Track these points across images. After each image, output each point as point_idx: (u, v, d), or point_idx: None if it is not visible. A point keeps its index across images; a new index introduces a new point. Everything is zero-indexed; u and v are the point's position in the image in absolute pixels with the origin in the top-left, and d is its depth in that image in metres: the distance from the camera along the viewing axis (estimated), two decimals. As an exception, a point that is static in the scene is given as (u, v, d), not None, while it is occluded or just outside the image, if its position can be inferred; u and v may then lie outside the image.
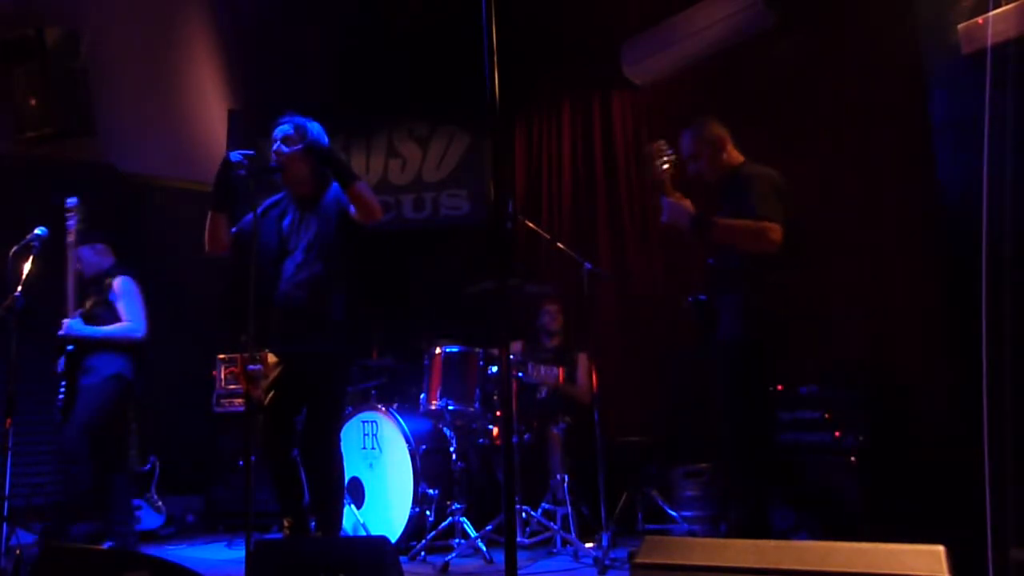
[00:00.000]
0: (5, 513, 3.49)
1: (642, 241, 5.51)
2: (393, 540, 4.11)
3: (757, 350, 3.18)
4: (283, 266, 3.41)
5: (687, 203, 3.25)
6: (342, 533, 3.62)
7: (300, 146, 3.37)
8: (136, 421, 4.97)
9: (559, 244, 4.45)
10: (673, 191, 3.28)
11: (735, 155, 3.43)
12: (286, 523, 3.35)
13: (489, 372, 4.41)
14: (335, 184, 3.45)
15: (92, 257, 4.42)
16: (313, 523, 3.40)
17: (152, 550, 4.35)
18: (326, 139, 3.47)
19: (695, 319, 3.44)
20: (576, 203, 5.89)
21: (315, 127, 3.45)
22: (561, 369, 4.67)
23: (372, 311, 4.89)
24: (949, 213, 3.75)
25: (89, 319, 4.25)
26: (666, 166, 3.28)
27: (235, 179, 3.20)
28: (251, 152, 3.22)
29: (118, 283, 4.34)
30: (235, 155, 3.20)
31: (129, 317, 4.29)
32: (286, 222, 3.47)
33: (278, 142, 3.41)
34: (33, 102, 5.14)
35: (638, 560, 2.12)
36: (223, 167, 3.26)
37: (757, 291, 3.19)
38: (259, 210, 3.48)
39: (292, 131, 3.40)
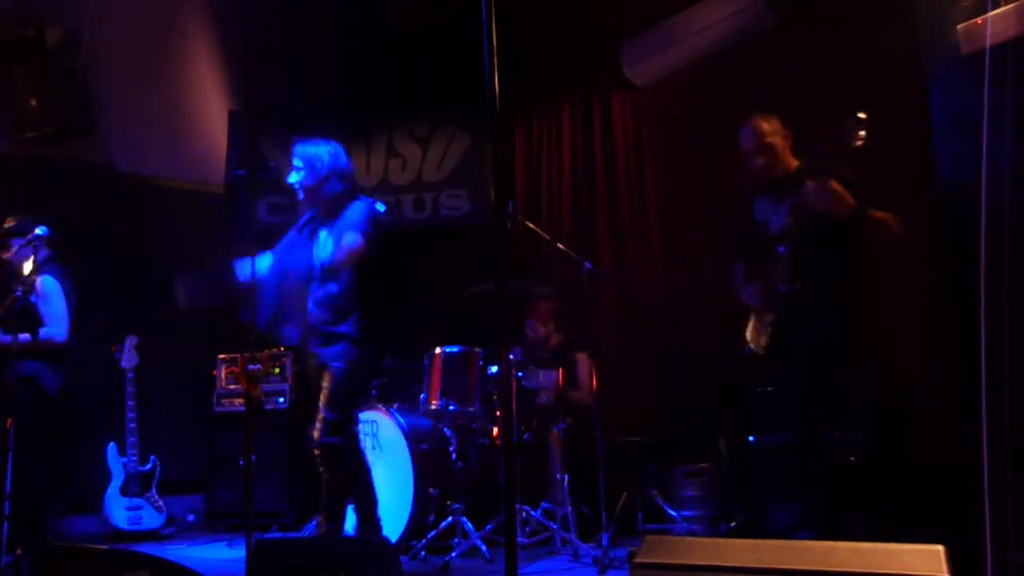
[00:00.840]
0: (6, 512, 3.49)
1: (642, 241, 5.51)
2: (393, 540, 4.11)
3: (851, 346, 3.23)
4: (307, 284, 3.65)
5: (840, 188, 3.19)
6: (343, 533, 3.67)
7: (312, 181, 3.62)
8: (136, 421, 4.98)
9: (559, 244, 4.45)
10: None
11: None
12: (322, 518, 3.59)
13: (489, 372, 4.41)
14: (352, 204, 3.67)
15: (22, 248, 4.28)
16: (320, 521, 3.64)
17: (152, 550, 4.34)
18: (342, 160, 3.68)
19: (779, 314, 3.38)
20: (576, 203, 5.88)
21: (327, 150, 3.65)
22: (561, 371, 4.66)
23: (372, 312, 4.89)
24: (949, 213, 3.75)
25: (10, 314, 3.98)
26: (860, 142, 3.11)
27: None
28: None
29: (40, 284, 4.24)
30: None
31: (49, 321, 4.21)
32: (314, 242, 3.70)
33: (298, 176, 3.66)
34: (33, 102, 5.14)
35: (638, 560, 2.12)
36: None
37: (847, 286, 3.23)
38: (297, 227, 3.79)
39: (302, 166, 3.63)
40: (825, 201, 3.18)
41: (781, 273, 3.36)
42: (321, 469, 3.53)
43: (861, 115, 3.09)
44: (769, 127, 3.51)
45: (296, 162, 3.66)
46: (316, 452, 3.50)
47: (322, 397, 3.53)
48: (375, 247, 3.59)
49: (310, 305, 3.62)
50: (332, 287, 3.59)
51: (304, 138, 3.70)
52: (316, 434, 3.49)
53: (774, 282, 3.40)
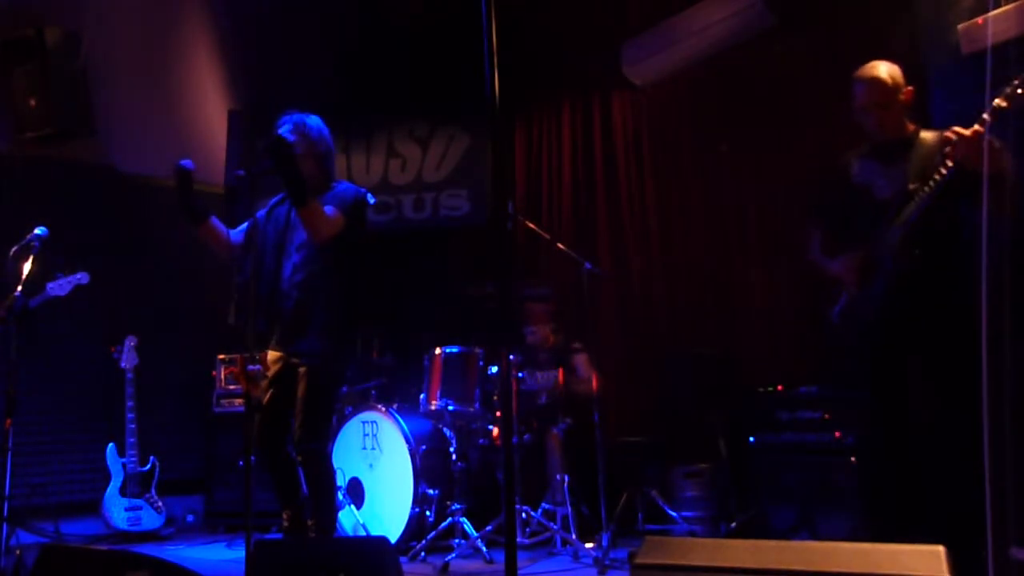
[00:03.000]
0: (5, 513, 3.49)
1: (642, 241, 5.51)
2: (393, 540, 4.11)
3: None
4: (283, 265, 3.47)
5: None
6: (341, 533, 3.64)
7: (301, 149, 3.38)
8: (136, 422, 4.98)
9: (559, 244, 4.44)
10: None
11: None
12: (285, 516, 3.41)
13: (489, 372, 4.41)
14: (338, 186, 3.53)
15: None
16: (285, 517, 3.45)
17: (152, 550, 4.35)
18: (326, 131, 3.53)
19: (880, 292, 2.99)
20: (576, 203, 5.88)
21: (314, 121, 3.51)
22: (560, 370, 4.66)
23: (372, 311, 4.89)
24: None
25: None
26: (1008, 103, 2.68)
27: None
28: (189, 164, 3.30)
29: None
30: (187, 162, 3.29)
31: None
32: (292, 219, 3.52)
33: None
34: (33, 102, 5.13)
35: (638, 560, 2.12)
36: (177, 180, 3.32)
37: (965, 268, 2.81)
38: (268, 207, 3.61)
39: (292, 132, 3.44)
40: (975, 155, 2.70)
41: (889, 245, 2.97)
42: (304, 473, 3.35)
43: None
44: (892, 83, 3.09)
45: (285, 128, 3.44)
46: (299, 458, 3.32)
47: (299, 394, 3.33)
48: (358, 233, 3.43)
49: (286, 288, 3.41)
50: (312, 267, 3.39)
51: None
52: (296, 437, 3.32)
53: (877, 255, 3.00)
